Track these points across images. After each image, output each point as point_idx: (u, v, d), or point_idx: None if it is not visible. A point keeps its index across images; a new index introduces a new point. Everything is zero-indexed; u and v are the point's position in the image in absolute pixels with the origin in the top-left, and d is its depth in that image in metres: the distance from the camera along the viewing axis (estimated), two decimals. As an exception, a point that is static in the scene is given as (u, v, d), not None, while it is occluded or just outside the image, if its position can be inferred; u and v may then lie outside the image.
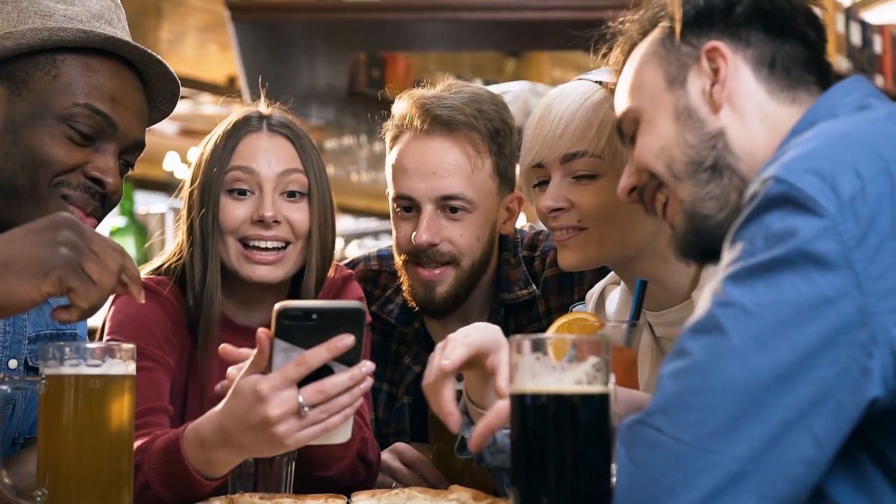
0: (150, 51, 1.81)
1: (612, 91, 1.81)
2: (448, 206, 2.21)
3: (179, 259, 2.09)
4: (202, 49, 8.59)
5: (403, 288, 2.31)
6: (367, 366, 1.45)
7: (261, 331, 1.46)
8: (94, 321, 2.11)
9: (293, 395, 1.43)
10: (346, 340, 1.43)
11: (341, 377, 1.43)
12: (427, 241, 2.20)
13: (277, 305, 1.43)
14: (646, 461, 1.22)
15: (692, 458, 1.18)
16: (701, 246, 1.47)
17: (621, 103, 1.58)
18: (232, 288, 2.07)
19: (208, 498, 1.66)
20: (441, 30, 4.84)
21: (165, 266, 2.11)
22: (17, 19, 1.75)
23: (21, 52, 1.73)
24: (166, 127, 8.72)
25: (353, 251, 6.58)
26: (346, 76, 5.57)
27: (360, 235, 7.59)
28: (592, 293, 2.05)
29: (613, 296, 1.98)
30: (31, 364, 1.83)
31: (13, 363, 1.82)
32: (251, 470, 1.77)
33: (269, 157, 2.07)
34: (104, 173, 1.76)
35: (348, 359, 1.45)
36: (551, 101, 1.86)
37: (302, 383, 1.44)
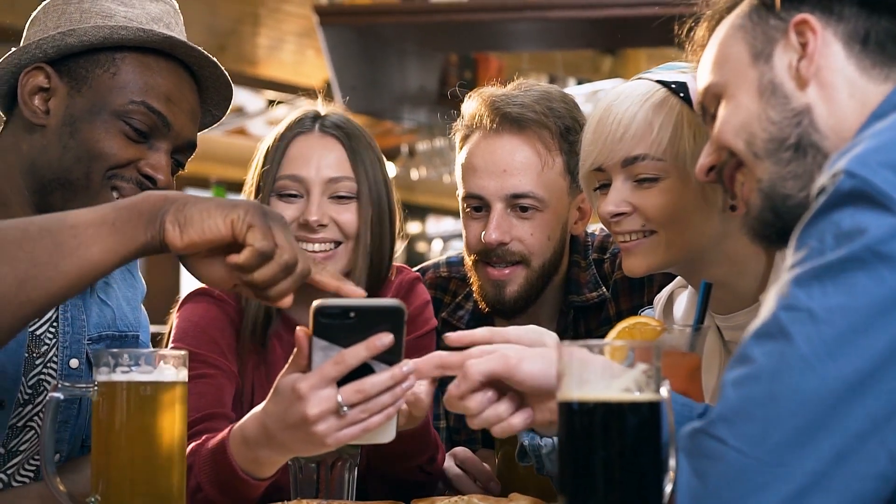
0: (206, 52, 1.85)
1: (672, 91, 1.76)
2: (518, 204, 2.19)
3: None
4: (300, 54, 8.68)
5: (473, 288, 2.29)
6: (408, 365, 1.43)
7: (299, 329, 1.44)
8: (159, 328, 2.14)
9: (332, 395, 1.40)
10: (384, 339, 1.40)
11: (381, 376, 1.41)
12: (497, 240, 2.18)
13: (315, 303, 1.41)
14: (707, 473, 1.17)
15: (757, 472, 1.13)
16: (777, 226, 1.39)
17: (704, 78, 1.52)
18: None
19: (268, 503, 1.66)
20: (530, 29, 4.80)
21: None
22: (80, 20, 1.81)
23: (83, 50, 1.79)
24: (263, 130, 8.85)
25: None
26: (436, 78, 5.56)
27: (456, 237, 7.57)
28: (660, 297, 2.00)
29: (681, 299, 1.93)
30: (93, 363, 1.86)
31: (74, 362, 1.86)
32: (313, 476, 1.76)
33: (317, 162, 2.07)
34: (156, 170, 1.80)
35: (389, 358, 1.42)
36: (610, 102, 1.81)
37: (343, 382, 1.41)
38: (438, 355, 1.44)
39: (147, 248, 1.43)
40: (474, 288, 2.29)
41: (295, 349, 1.45)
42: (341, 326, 1.41)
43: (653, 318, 1.75)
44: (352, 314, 1.41)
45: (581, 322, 2.28)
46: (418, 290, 2.22)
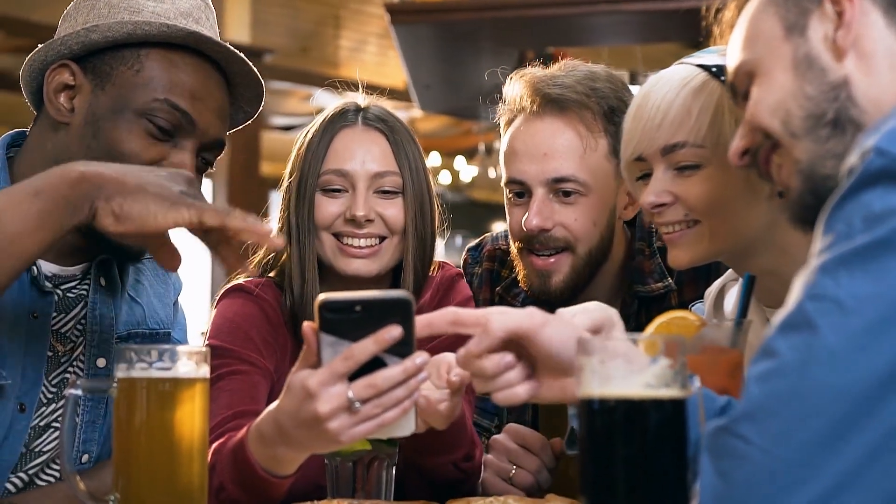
0: (233, 48, 1.81)
1: (713, 75, 1.69)
2: (560, 189, 2.12)
3: (273, 255, 2.09)
4: (382, 55, 8.73)
5: (519, 278, 2.23)
6: (421, 357, 1.37)
7: (306, 324, 1.39)
8: (197, 326, 2.13)
9: (342, 391, 1.36)
10: (393, 332, 1.35)
11: (393, 370, 1.36)
12: (537, 226, 2.12)
13: (319, 297, 1.37)
14: (731, 474, 1.10)
15: (783, 472, 1.06)
16: (819, 209, 1.32)
17: (734, 57, 1.45)
18: (330, 283, 2.04)
19: (303, 503, 1.63)
20: (605, 23, 4.72)
21: (261, 261, 2.10)
22: (108, 15, 1.78)
23: (107, 46, 1.76)
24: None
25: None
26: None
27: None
28: (710, 291, 1.92)
29: (731, 294, 1.84)
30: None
31: (101, 361, 1.84)
32: (350, 475, 1.73)
33: (362, 156, 2.04)
34: (181, 169, 1.75)
35: (401, 350, 1.37)
36: (649, 89, 1.74)
37: (355, 377, 1.37)
38: (453, 310, 1.38)
39: (72, 230, 1.48)
40: (519, 277, 2.22)
41: (304, 346, 1.42)
42: (348, 321, 1.36)
43: (691, 313, 1.67)
44: (357, 308, 1.36)
45: (643, 312, 2.19)
46: (459, 286, 2.17)
